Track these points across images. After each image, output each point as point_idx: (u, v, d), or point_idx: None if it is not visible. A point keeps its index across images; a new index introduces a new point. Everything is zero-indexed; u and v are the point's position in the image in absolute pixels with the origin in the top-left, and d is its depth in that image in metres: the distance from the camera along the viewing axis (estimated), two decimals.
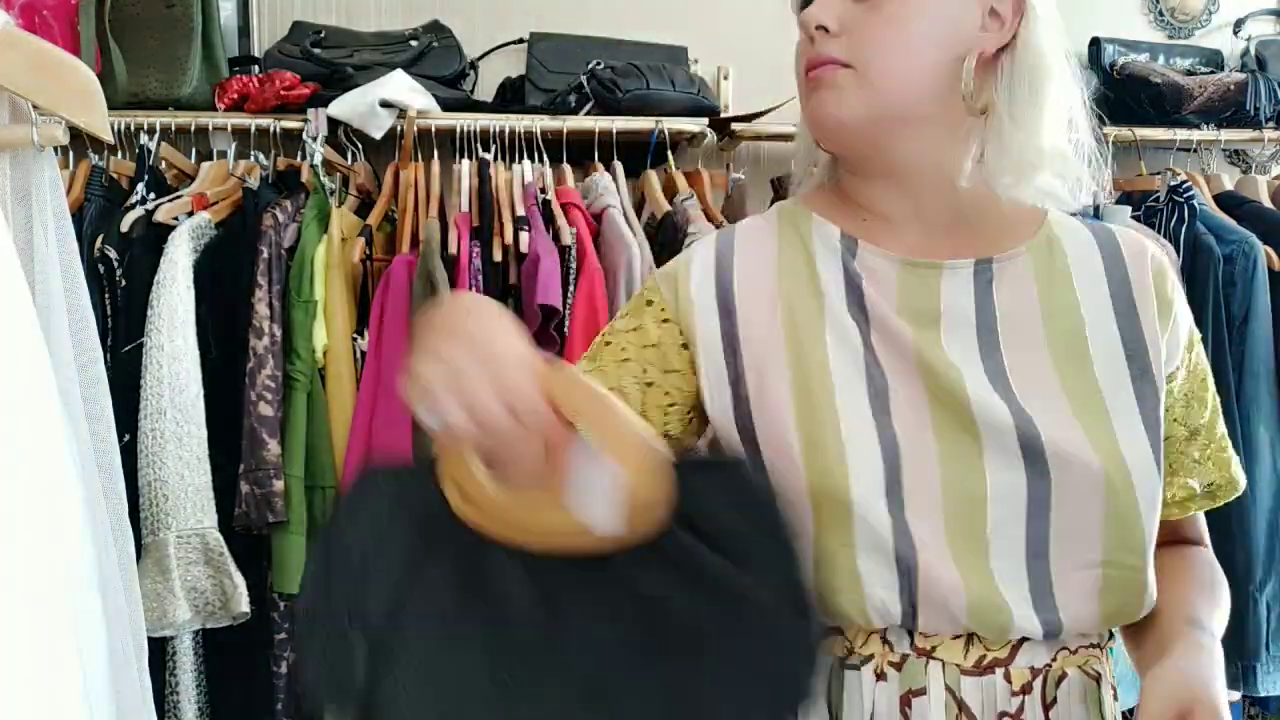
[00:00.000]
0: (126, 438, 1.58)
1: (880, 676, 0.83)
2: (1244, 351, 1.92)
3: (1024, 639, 0.82)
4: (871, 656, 0.83)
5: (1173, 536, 0.94)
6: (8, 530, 0.88)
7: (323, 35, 2.11)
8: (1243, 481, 0.95)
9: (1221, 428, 0.94)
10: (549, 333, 1.76)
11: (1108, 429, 0.82)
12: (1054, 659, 0.83)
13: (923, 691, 0.82)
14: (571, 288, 1.79)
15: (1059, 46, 0.88)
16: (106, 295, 1.73)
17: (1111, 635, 0.91)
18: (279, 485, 1.66)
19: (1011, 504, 0.81)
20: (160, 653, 1.69)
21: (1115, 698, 0.88)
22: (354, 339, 1.80)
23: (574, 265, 1.80)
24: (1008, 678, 0.82)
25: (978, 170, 0.86)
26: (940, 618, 0.81)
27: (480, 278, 1.79)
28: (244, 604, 1.64)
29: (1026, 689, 0.82)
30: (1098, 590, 0.82)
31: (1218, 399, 0.93)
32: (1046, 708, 0.83)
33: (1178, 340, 0.89)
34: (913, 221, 0.88)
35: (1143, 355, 0.86)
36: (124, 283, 1.72)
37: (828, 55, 0.84)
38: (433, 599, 0.71)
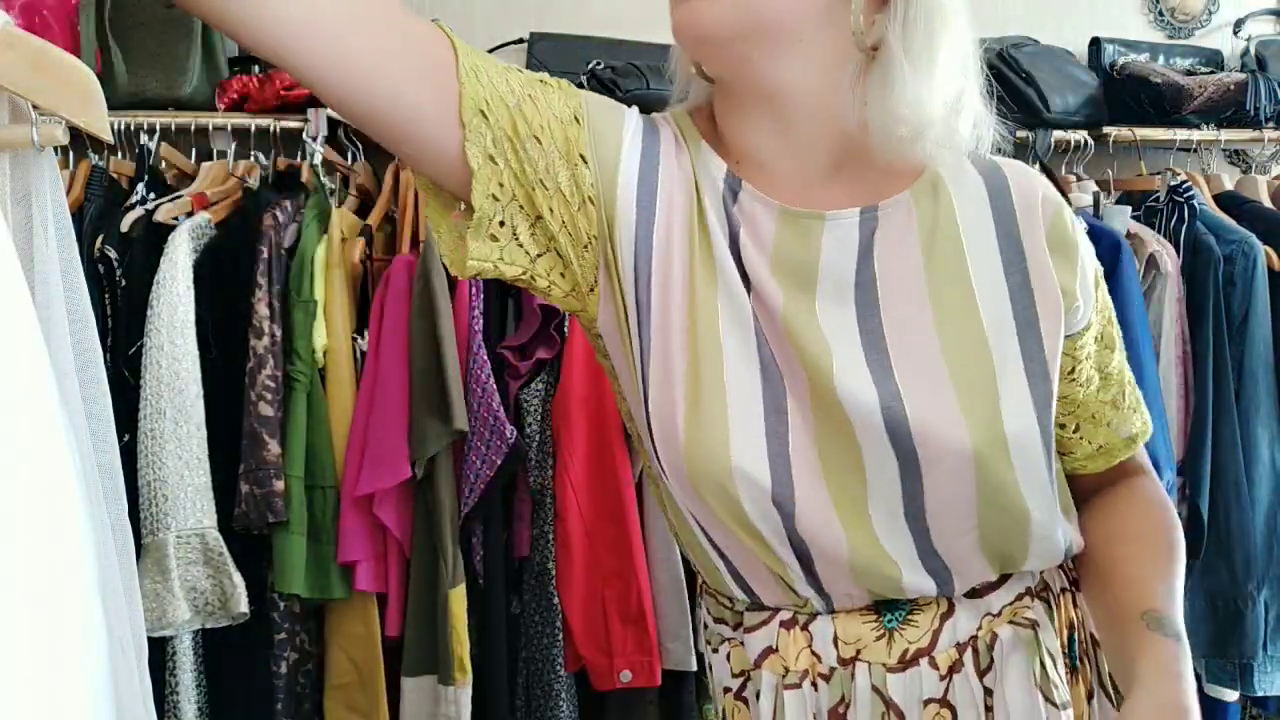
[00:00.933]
0: (126, 438, 1.58)
1: (814, 688, 0.83)
2: (1244, 351, 1.93)
3: (945, 618, 0.82)
4: (806, 672, 0.82)
5: (1114, 475, 0.92)
6: (7, 530, 0.88)
7: None
8: (1150, 422, 0.92)
9: (1129, 370, 0.90)
10: (549, 333, 1.76)
11: (989, 396, 0.77)
12: (980, 628, 0.83)
13: (847, 702, 0.82)
14: None
15: None
16: (106, 295, 1.73)
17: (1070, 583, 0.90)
18: (279, 485, 1.66)
19: (888, 483, 0.77)
20: (160, 653, 1.69)
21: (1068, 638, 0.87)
22: (354, 339, 1.80)
23: None
24: (934, 664, 0.82)
25: (863, 115, 0.77)
26: (841, 581, 0.79)
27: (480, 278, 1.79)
28: (244, 604, 1.64)
29: (955, 668, 0.82)
30: (978, 548, 0.80)
31: (1123, 338, 0.90)
32: (981, 674, 0.82)
33: (1088, 283, 0.83)
34: (786, 159, 0.80)
35: (1029, 305, 0.80)
36: (124, 283, 1.72)
37: None
38: None
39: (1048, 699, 0.81)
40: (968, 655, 0.82)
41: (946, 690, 0.82)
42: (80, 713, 0.92)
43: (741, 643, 0.86)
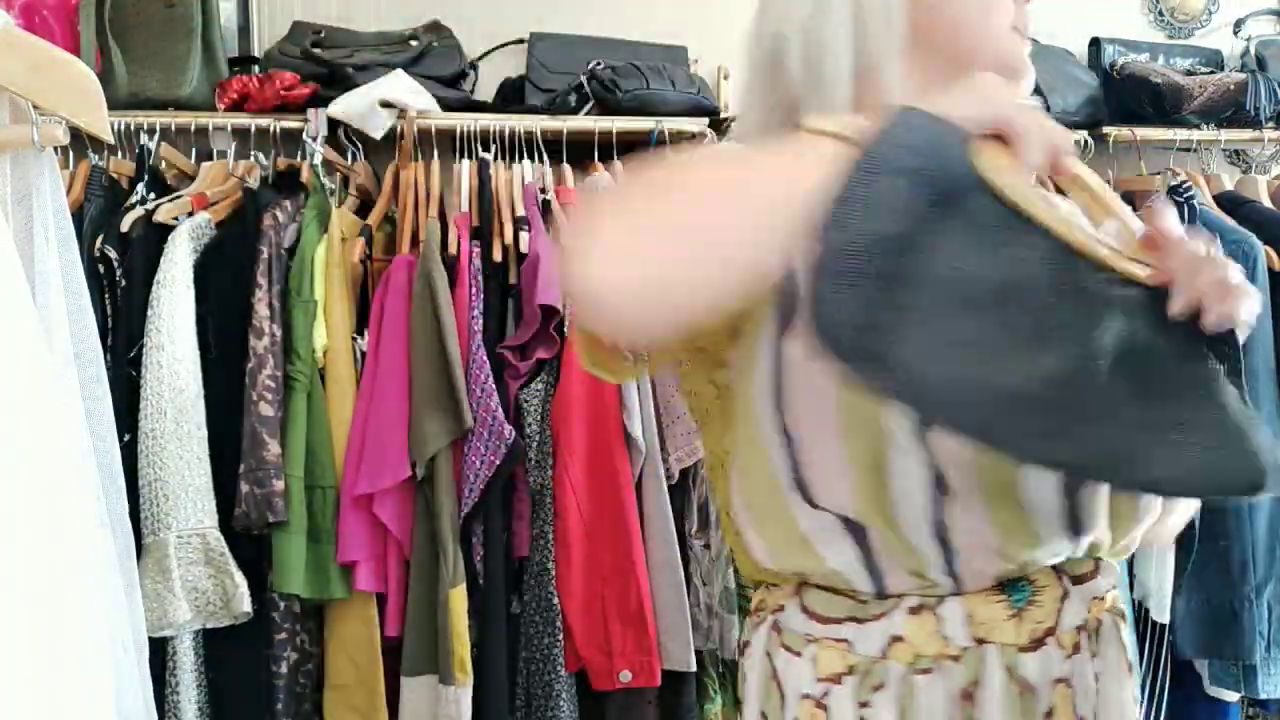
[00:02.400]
0: (126, 438, 1.58)
1: (944, 674, 0.84)
2: (1244, 351, 1.92)
3: (1065, 600, 0.86)
4: (935, 655, 0.84)
5: None
6: (8, 530, 0.88)
7: (323, 35, 2.11)
8: None
9: None
10: (549, 333, 1.76)
11: None
12: (1090, 612, 0.87)
13: (978, 683, 0.84)
14: None
15: None
16: (106, 295, 1.73)
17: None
18: (279, 485, 1.66)
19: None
20: (160, 653, 1.69)
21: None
22: (354, 339, 1.80)
23: None
24: (1060, 643, 0.85)
25: None
26: (978, 557, 0.82)
27: (480, 278, 1.79)
28: (245, 604, 1.64)
29: (1076, 648, 0.86)
30: (1106, 509, 0.85)
31: None
32: (1093, 657, 0.86)
33: None
34: None
35: None
36: (124, 283, 1.72)
37: None
38: (950, 247, 0.69)
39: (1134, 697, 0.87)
40: (1083, 637, 0.86)
41: (1071, 672, 0.85)
42: (80, 713, 0.92)
43: (846, 640, 0.86)
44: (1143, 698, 1.98)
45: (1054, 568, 0.87)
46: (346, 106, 1.92)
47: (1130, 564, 1.96)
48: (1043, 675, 0.84)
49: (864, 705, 0.85)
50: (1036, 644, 0.85)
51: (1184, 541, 1.90)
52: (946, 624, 0.84)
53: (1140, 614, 1.98)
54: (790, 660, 0.89)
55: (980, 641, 0.84)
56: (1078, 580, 0.87)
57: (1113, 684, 0.86)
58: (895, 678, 0.84)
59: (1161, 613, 1.91)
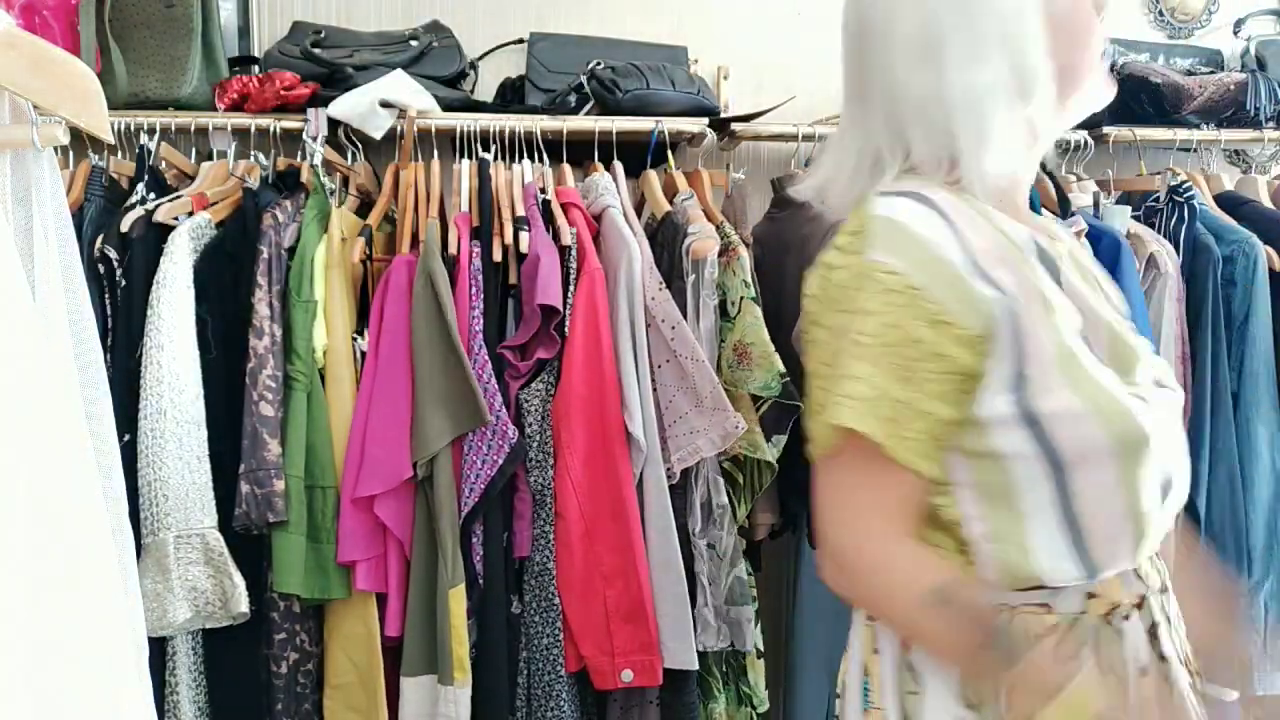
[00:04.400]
0: (126, 438, 1.58)
1: (1129, 619, 0.96)
2: (1244, 351, 1.92)
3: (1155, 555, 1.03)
4: (1119, 605, 0.96)
5: None
6: (7, 530, 0.88)
7: (323, 35, 2.11)
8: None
9: None
10: (549, 333, 1.76)
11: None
12: (1164, 570, 1.03)
13: (1156, 624, 0.97)
14: (571, 288, 1.79)
15: None
16: (106, 295, 1.73)
17: None
18: (279, 485, 1.66)
19: (1178, 428, 1.02)
20: (160, 653, 1.69)
21: None
22: (354, 339, 1.80)
23: (574, 265, 1.80)
24: (1166, 590, 1.02)
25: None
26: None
27: (480, 278, 1.79)
28: (244, 604, 1.64)
29: (1165, 590, 1.02)
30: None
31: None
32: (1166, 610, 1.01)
33: None
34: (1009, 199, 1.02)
35: None
36: (124, 283, 1.72)
37: None
38: None
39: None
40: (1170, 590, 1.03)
41: (1173, 615, 1.02)
42: (80, 713, 0.92)
43: (1045, 604, 0.95)
44: None
45: None
46: (346, 106, 1.92)
47: None
48: (1173, 615, 1.01)
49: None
50: (1164, 590, 1.01)
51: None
52: (1125, 577, 0.98)
53: None
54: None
55: (1142, 590, 0.98)
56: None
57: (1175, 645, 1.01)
58: (1090, 631, 0.94)
59: None
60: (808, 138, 2.08)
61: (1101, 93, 1.03)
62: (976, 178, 0.97)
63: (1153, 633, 0.97)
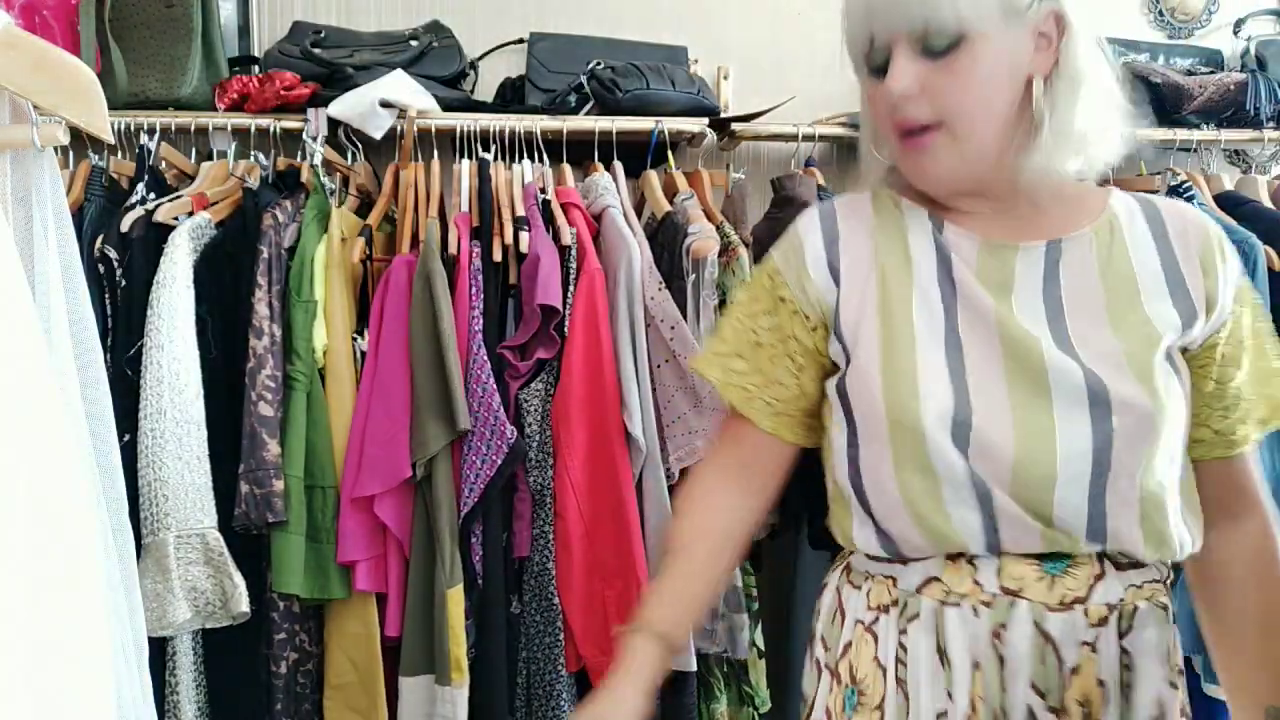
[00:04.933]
0: (126, 438, 1.58)
1: (974, 613, 0.99)
2: None
3: (1099, 579, 0.98)
4: (966, 596, 0.99)
5: (1230, 487, 1.07)
6: (7, 530, 0.88)
7: (323, 35, 2.11)
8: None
9: (1269, 374, 1.06)
10: (549, 333, 1.76)
11: (1155, 380, 0.96)
12: (1125, 596, 0.99)
13: (1007, 626, 0.98)
14: (571, 288, 1.79)
15: (1092, 42, 1.00)
16: (106, 295, 1.73)
17: (1176, 573, 1.07)
18: (279, 485, 1.66)
19: (1078, 448, 0.95)
20: (160, 653, 1.69)
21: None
22: (354, 339, 1.80)
23: (574, 265, 1.81)
24: (1086, 614, 0.98)
25: (1036, 182, 1.01)
26: (1017, 531, 0.97)
27: (480, 278, 1.79)
28: (244, 604, 1.64)
29: (1103, 622, 0.98)
30: (1140, 523, 0.96)
31: (1260, 349, 1.05)
32: (1121, 635, 0.98)
33: (1227, 298, 1.02)
34: (992, 216, 1.04)
35: (1189, 313, 1.00)
36: (124, 283, 1.72)
37: (915, 120, 0.97)
38: None
39: (1168, 676, 1.00)
40: (1114, 616, 0.98)
41: (1096, 639, 0.98)
42: (80, 713, 0.92)
43: (893, 577, 1.04)
44: None
45: (1100, 553, 0.99)
46: (346, 106, 1.92)
47: None
48: (1065, 635, 0.97)
49: (902, 633, 1.02)
50: (1064, 607, 0.97)
51: None
52: (980, 572, 0.99)
53: None
54: (849, 593, 1.09)
55: (1011, 593, 0.98)
56: (1119, 567, 0.99)
57: (1151, 664, 0.99)
58: (928, 611, 1.01)
59: None
60: (808, 138, 2.08)
61: (903, 169, 1.04)
62: (891, 182, 1.11)
63: (997, 634, 0.98)
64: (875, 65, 1.00)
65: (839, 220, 1.08)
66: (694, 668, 1.78)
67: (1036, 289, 1.01)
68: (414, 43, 2.12)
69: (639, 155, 2.03)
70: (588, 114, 2.03)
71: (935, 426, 0.96)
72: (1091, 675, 0.97)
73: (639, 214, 2.02)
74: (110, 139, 1.09)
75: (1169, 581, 1.04)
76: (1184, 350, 1.02)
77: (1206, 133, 2.19)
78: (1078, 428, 0.95)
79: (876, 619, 1.05)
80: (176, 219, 1.76)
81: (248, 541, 1.69)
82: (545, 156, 1.98)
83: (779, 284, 1.08)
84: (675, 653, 1.07)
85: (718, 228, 1.89)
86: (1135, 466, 0.95)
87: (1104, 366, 0.97)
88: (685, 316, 1.80)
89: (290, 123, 1.95)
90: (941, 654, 1.00)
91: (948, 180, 1.01)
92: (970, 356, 0.99)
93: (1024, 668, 0.98)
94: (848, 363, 1.04)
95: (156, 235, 1.73)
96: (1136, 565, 1.00)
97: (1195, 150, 2.26)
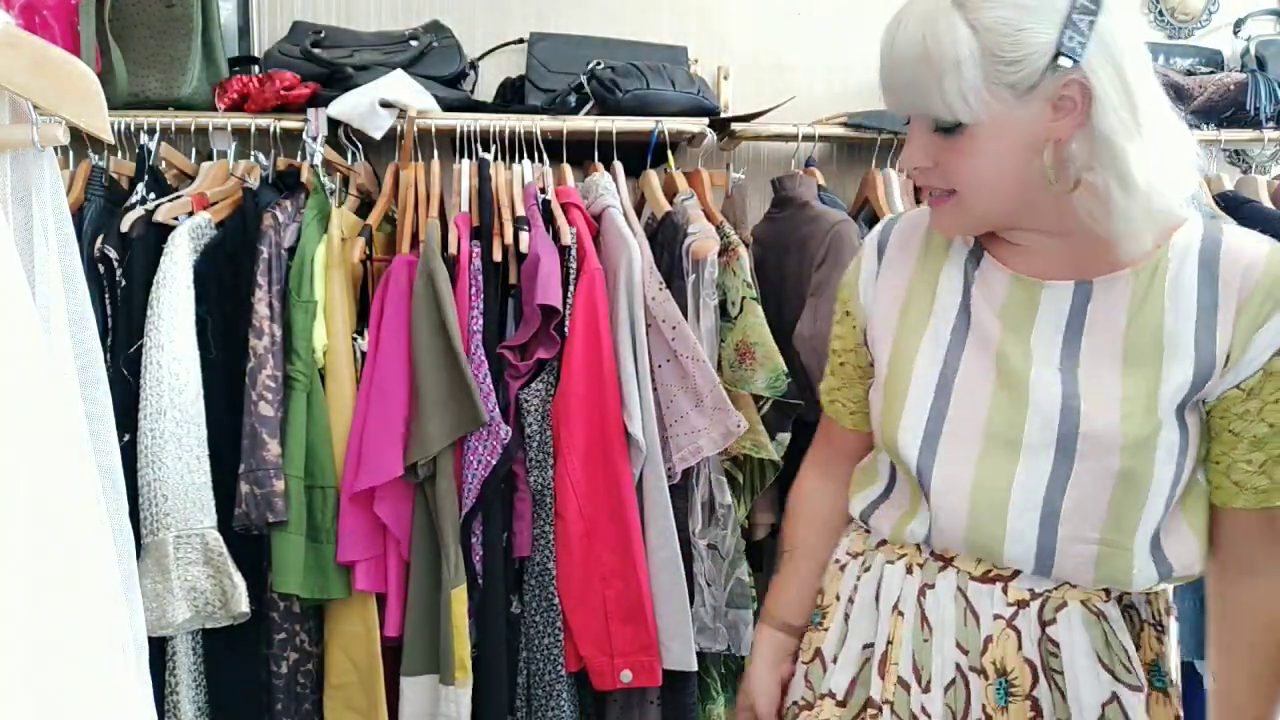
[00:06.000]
0: (126, 438, 1.58)
1: (909, 571, 1.13)
2: None
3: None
4: (904, 556, 1.14)
5: (1248, 536, 1.05)
6: (7, 530, 0.88)
7: (323, 35, 2.11)
8: None
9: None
10: (549, 333, 1.76)
11: (1149, 428, 0.97)
12: (1053, 589, 1.05)
13: (934, 586, 1.10)
14: (571, 288, 1.79)
15: (1132, 103, 0.95)
16: (106, 295, 1.73)
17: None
18: (279, 485, 1.66)
19: (1036, 478, 1.01)
20: (160, 653, 1.69)
21: (1139, 639, 1.07)
22: (354, 339, 1.80)
23: (574, 265, 1.80)
24: (1005, 591, 1.06)
25: (1096, 230, 0.99)
26: (954, 548, 1.09)
27: (480, 278, 1.79)
28: (243, 604, 1.64)
29: (1023, 604, 1.05)
30: (1093, 562, 1.02)
31: None
32: (1044, 624, 1.05)
33: (1260, 352, 0.97)
34: (1037, 251, 1.06)
35: (1209, 361, 0.98)
36: (124, 283, 1.72)
37: (931, 186, 1.04)
38: None
39: (1113, 674, 1.03)
40: (1035, 602, 1.05)
41: (1014, 617, 1.05)
42: (80, 713, 0.92)
43: (866, 529, 1.20)
44: None
45: None
46: (346, 106, 1.92)
47: None
48: (982, 605, 1.07)
49: (858, 577, 1.19)
50: (986, 580, 1.07)
51: None
52: (921, 544, 1.12)
53: None
54: (845, 537, 1.26)
55: (942, 559, 1.10)
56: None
57: (1083, 663, 1.03)
58: (877, 564, 1.16)
59: None
60: (808, 138, 2.08)
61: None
62: None
63: (923, 591, 1.11)
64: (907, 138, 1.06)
65: (892, 239, 1.18)
66: (694, 668, 1.78)
67: (1059, 328, 1.03)
68: (414, 43, 2.12)
69: (639, 155, 2.03)
70: (588, 114, 2.03)
71: (907, 452, 1.08)
72: (1009, 649, 1.05)
73: (639, 214, 2.02)
74: (110, 139, 1.08)
75: (1118, 594, 1.05)
76: (1202, 400, 1.01)
77: (1206, 133, 2.19)
78: (1037, 471, 1.02)
79: (847, 562, 1.22)
80: (176, 219, 1.76)
81: (248, 541, 1.69)
82: (545, 156, 1.98)
83: (845, 298, 1.22)
84: (796, 635, 1.28)
85: (718, 228, 1.89)
86: (1096, 513, 0.99)
87: (1094, 409, 0.99)
88: (685, 316, 1.80)
89: (290, 123, 1.95)
90: (878, 600, 1.15)
91: (963, 233, 1.09)
92: (959, 390, 1.07)
93: (949, 625, 1.08)
94: (875, 372, 1.17)
95: (156, 235, 1.73)
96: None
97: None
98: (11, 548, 0.87)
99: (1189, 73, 2.28)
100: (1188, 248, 1.01)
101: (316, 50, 2.05)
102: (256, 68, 2.12)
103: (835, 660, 1.18)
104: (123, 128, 1.89)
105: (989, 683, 1.06)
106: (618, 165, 1.98)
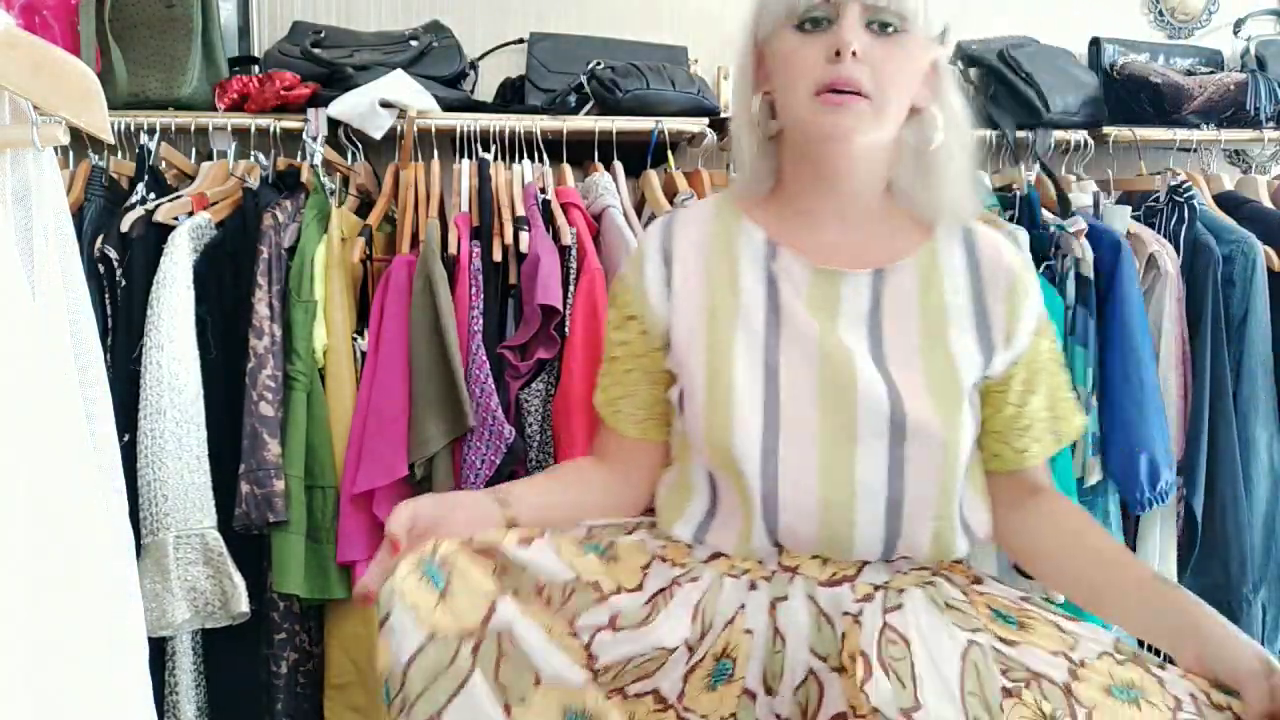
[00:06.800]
0: (126, 438, 1.58)
1: (753, 587, 1.09)
2: (1242, 351, 1.92)
3: (867, 564, 1.08)
4: (748, 571, 1.09)
5: (1024, 486, 1.16)
6: (7, 530, 0.88)
7: (323, 35, 2.11)
8: (1075, 433, 1.18)
9: (1061, 396, 1.15)
10: (549, 333, 1.76)
11: (954, 407, 1.06)
12: (890, 579, 1.09)
13: (786, 598, 1.08)
14: (571, 288, 1.79)
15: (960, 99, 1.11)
16: (106, 295, 1.73)
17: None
18: (279, 485, 1.66)
19: (876, 470, 1.04)
20: (160, 653, 1.69)
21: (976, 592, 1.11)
22: (354, 339, 1.80)
23: (574, 265, 1.80)
24: (853, 589, 1.08)
25: (921, 198, 1.10)
26: (801, 550, 1.08)
27: (480, 278, 1.79)
28: (243, 604, 1.64)
29: (868, 598, 1.07)
30: (931, 539, 1.07)
31: (1057, 375, 1.15)
32: (887, 611, 1.06)
33: (1026, 330, 1.10)
34: (831, 219, 1.11)
35: (988, 342, 1.09)
36: (124, 283, 1.72)
37: (856, 81, 1.01)
38: None
39: (960, 626, 1.05)
40: (879, 594, 1.07)
41: (860, 613, 1.07)
42: (80, 713, 0.92)
43: (691, 546, 1.13)
44: None
45: None
46: (346, 106, 1.92)
47: None
48: (833, 607, 1.07)
49: (676, 582, 1.10)
50: (833, 583, 1.08)
51: (1186, 540, 1.89)
52: (763, 557, 1.09)
53: None
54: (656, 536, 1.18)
55: (789, 569, 1.09)
56: (890, 560, 1.09)
57: (924, 617, 1.06)
58: (708, 579, 1.09)
59: None
60: None
61: (810, 122, 1.05)
62: (738, 191, 1.17)
63: (774, 605, 1.08)
64: (810, 20, 1.04)
65: (676, 239, 1.14)
66: None
67: (861, 316, 1.08)
68: (414, 43, 2.12)
69: (639, 155, 2.03)
70: (588, 114, 2.03)
71: (745, 459, 1.05)
72: (855, 643, 1.06)
73: (639, 214, 2.02)
74: (110, 139, 1.09)
75: (937, 569, 1.12)
76: (986, 378, 1.10)
77: (1206, 133, 2.19)
78: (876, 459, 1.04)
79: (655, 561, 1.14)
80: (176, 219, 1.76)
81: (248, 541, 1.69)
82: (545, 156, 1.98)
83: (627, 302, 1.16)
84: (504, 526, 1.11)
85: None
86: (930, 493, 1.05)
87: (910, 395, 1.05)
88: None
89: (290, 123, 1.95)
90: (700, 613, 1.08)
91: (859, 145, 1.06)
92: (786, 388, 1.06)
93: (804, 635, 1.07)
94: (679, 381, 1.12)
95: (156, 235, 1.73)
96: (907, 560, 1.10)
97: (1195, 150, 2.26)
98: (11, 548, 0.87)
99: (1189, 73, 2.28)
100: (951, 239, 1.13)
101: (316, 50, 2.05)
102: (256, 68, 2.12)
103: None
104: (123, 128, 1.89)
105: (852, 673, 1.05)
106: (618, 165, 1.98)
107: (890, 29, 1.02)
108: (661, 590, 1.09)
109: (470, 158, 1.94)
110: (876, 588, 1.08)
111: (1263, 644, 1.90)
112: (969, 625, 1.06)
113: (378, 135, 1.92)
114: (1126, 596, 1.07)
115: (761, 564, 1.09)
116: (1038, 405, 1.13)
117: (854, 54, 1.00)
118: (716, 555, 1.11)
